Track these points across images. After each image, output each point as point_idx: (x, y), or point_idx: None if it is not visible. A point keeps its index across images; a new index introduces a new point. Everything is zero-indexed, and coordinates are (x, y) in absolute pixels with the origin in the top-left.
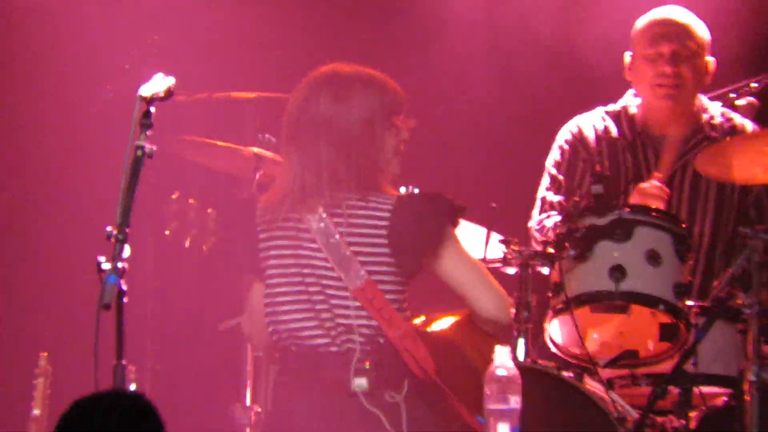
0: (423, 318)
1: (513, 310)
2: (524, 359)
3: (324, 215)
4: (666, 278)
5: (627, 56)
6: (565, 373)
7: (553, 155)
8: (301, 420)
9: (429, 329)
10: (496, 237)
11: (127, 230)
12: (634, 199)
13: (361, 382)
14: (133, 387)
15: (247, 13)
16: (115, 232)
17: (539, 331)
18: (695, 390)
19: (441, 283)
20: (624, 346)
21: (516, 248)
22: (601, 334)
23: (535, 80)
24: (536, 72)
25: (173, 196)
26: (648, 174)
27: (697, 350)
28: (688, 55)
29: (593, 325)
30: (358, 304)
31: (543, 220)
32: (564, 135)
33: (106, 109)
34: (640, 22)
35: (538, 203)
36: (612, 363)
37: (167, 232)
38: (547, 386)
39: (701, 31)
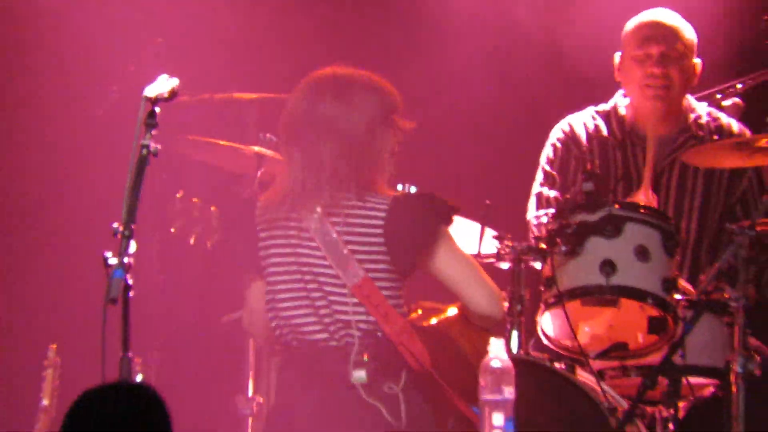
0: (420, 312)
1: (506, 305)
2: (518, 351)
3: (323, 215)
4: (654, 273)
5: (617, 57)
6: (557, 365)
7: (547, 152)
8: (302, 413)
9: (426, 323)
10: (490, 233)
11: (132, 227)
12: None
13: (360, 375)
14: (139, 378)
15: (249, 16)
16: (121, 228)
17: (532, 324)
18: (683, 381)
19: (436, 280)
20: (614, 339)
21: (509, 244)
22: (592, 327)
23: (528, 80)
24: (530, 71)
25: (178, 195)
26: (637, 172)
27: (685, 342)
28: (676, 57)
29: (584, 318)
30: (355, 300)
31: (541, 217)
32: (556, 133)
33: (113, 109)
34: (630, 24)
35: (533, 198)
36: (602, 355)
37: (172, 230)
38: (539, 377)
39: (689, 33)
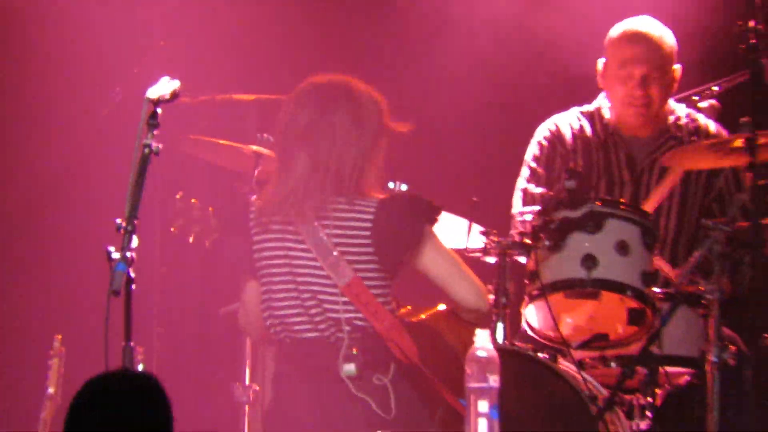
0: (409, 308)
1: (492, 297)
2: (503, 341)
3: (314, 219)
4: (634, 267)
5: (600, 63)
6: (541, 355)
7: (532, 150)
8: (297, 407)
9: (415, 319)
10: (476, 228)
11: (135, 222)
12: None
13: (349, 368)
14: (140, 367)
15: (248, 19)
16: (124, 224)
17: (517, 315)
18: (661, 370)
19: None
20: (595, 330)
21: (495, 239)
22: (574, 318)
23: (515, 80)
24: (517, 72)
25: (177, 196)
26: (618, 171)
27: (662, 333)
28: (657, 77)
29: (566, 310)
30: (345, 299)
31: (525, 213)
32: (543, 132)
33: (117, 110)
34: (613, 34)
35: (519, 194)
36: (584, 345)
37: (172, 229)
38: (523, 366)
39: (669, 42)
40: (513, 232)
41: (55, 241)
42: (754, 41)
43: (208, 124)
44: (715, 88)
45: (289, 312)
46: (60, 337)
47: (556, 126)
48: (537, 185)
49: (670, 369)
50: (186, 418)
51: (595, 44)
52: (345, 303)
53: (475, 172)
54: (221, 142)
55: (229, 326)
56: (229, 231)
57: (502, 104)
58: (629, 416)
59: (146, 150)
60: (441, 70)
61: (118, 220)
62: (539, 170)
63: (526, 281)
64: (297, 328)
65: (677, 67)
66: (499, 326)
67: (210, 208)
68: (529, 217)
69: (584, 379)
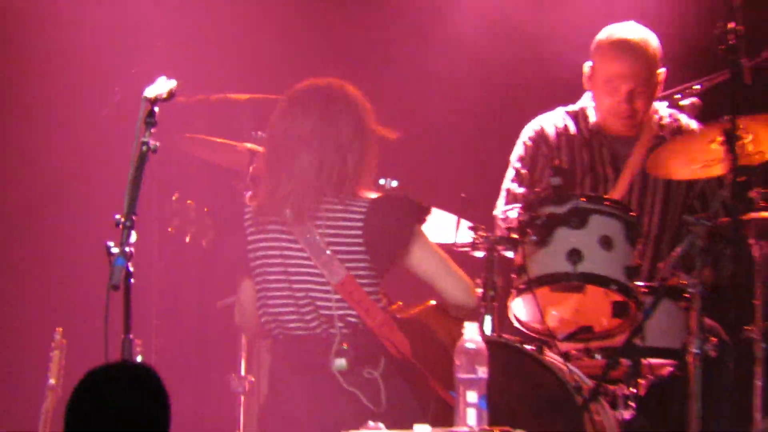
0: (400, 304)
1: (480, 291)
2: (491, 333)
3: (307, 219)
4: (618, 261)
5: (586, 67)
6: (527, 347)
7: (517, 151)
8: (291, 401)
9: (405, 314)
10: (465, 224)
11: (134, 218)
12: None
13: (341, 363)
14: (139, 359)
15: (244, 20)
16: (123, 219)
17: (505, 308)
18: (644, 361)
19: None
20: (580, 323)
21: (483, 234)
22: (560, 311)
23: (504, 82)
24: (506, 72)
25: (173, 197)
26: (602, 168)
27: (646, 326)
28: (643, 91)
29: (552, 303)
30: (338, 297)
31: (507, 211)
32: (527, 132)
33: (116, 110)
34: (600, 40)
35: (503, 194)
36: (569, 337)
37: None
38: (511, 358)
39: (655, 52)
40: (496, 231)
41: (55, 238)
42: (733, 42)
43: (204, 122)
44: (697, 86)
45: (283, 310)
46: (61, 329)
47: (541, 126)
48: (520, 185)
49: (653, 360)
50: (183, 408)
51: (590, 44)
52: (338, 300)
53: (464, 169)
54: (216, 140)
55: (225, 319)
56: (225, 230)
57: (492, 102)
58: (613, 406)
59: (144, 148)
60: (434, 69)
61: (117, 216)
62: (523, 171)
63: (514, 275)
64: (291, 325)
65: (662, 71)
66: (487, 319)
67: (205, 209)
68: (513, 214)
69: (570, 370)
